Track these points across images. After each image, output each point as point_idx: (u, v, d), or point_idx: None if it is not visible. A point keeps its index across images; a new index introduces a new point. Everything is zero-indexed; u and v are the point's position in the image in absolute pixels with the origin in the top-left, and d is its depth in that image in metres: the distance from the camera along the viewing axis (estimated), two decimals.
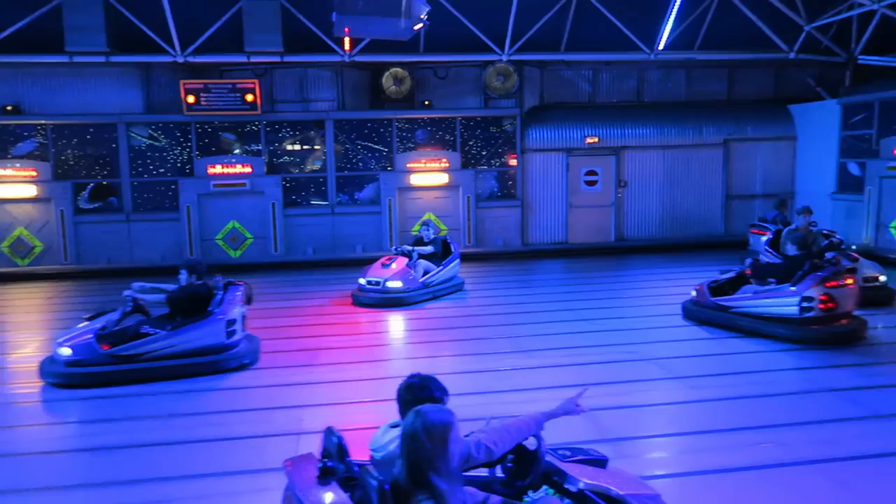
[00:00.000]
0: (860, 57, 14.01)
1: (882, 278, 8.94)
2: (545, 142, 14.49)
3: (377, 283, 9.42)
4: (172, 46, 12.28)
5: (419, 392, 2.84)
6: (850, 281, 7.21)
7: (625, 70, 15.30)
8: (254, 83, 13.08)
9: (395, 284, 9.38)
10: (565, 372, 6.41)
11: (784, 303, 7.24)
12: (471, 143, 14.24)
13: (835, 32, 14.10)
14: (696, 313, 8.23)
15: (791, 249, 7.64)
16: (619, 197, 14.91)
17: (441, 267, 9.95)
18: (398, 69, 13.70)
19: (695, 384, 6.00)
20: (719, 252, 13.89)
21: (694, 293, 8.34)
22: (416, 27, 9.05)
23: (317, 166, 13.96)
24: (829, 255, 8.50)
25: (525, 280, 11.85)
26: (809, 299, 7.04)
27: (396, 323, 8.74)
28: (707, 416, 5.28)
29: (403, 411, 2.77)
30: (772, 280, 7.63)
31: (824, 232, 11.25)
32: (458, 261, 10.34)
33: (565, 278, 12.01)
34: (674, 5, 12.90)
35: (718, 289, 8.09)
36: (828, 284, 7.05)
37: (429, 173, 13.88)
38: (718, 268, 11.86)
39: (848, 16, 13.00)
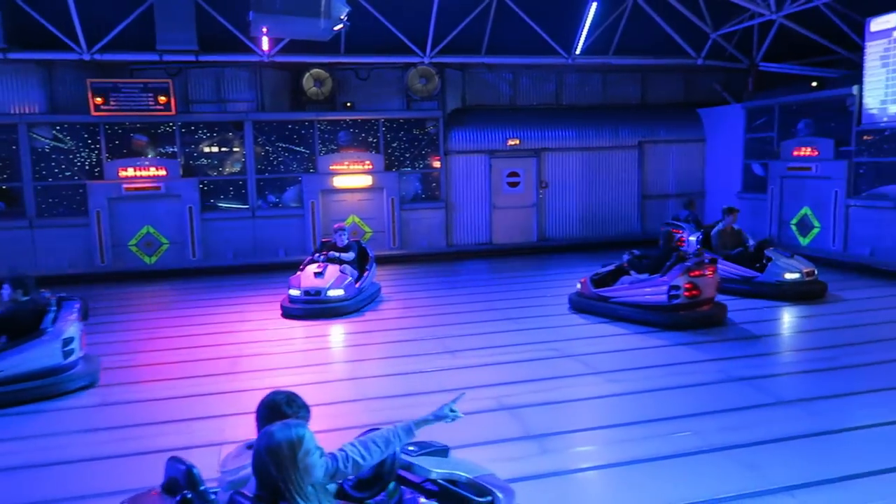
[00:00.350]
0: (761, 64, 14.84)
1: (815, 272, 9.56)
2: (468, 144, 14.64)
3: (317, 293, 8.89)
4: (77, 43, 11.67)
5: (286, 408, 2.64)
6: (710, 271, 8.02)
7: (544, 74, 15.64)
8: (167, 83, 12.60)
9: (337, 293, 8.94)
10: (491, 371, 6.48)
11: (655, 291, 7.99)
12: (394, 144, 14.21)
13: (738, 40, 14.89)
14: (580, 304, 8.83)
15: (662, 244, 8.52)
16: (541, 197, 15.23)
17: (367, 271, 9.83)
18: (319, 70, 13.52)
19: (614, 378, 6.20)
20: (637, 250, 14.39)
21: (579, 286, 8.86)
22: (336, 28, 8.97)
23: (236, 169, 13.58)
24: (768, 251, 9.48)
25: (450, 281, 11.92)
26: (676, 287, 7.81)
27: (320, 329, 8.60)
28: (627, 409, 5.45)
29: (261, 428, 2.56)
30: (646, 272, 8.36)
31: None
32: (374, 265, 10.20)
33: (490, 278, 12.16)
34: (589, 12, 13.30)
35: (600, 281, 8.69)
36: (692, 274, 7.86)
37: (352, 175, 13.77)
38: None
39: (749, 24, 13.75)
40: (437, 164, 14.45)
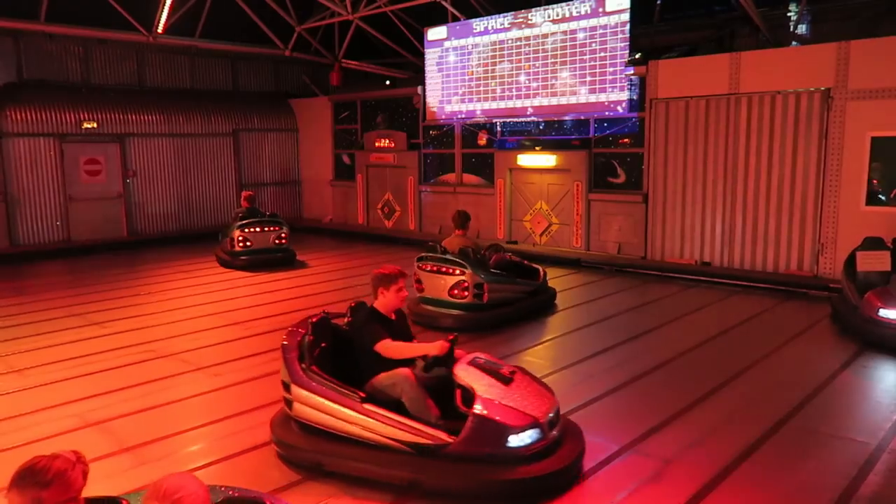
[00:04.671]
0: (343, 60, 15.95)
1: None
2: (30, 125, 12.49)
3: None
4: None
5: None
6: None
7: (123, 51, 14.21)
8: None
9: None
10: (72, 385, 5.64)
11: None
12: None
13: (322, 36, 15.72)
14: None
15: None
16: (128, 187, 13.86)
17: None
18: None
19: (218, 371, 5.99)
20: None
21: None
22: None
23: None
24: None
25: (16, 288, 10.03)
26: None
27: None
28: (233, 400, 5.31)
29: None
30: None
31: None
32: None
33: (70, 281, 10.58)
34: None
35: None
36: None
37: None
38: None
39: (331, 22, 14.63)
40: None
